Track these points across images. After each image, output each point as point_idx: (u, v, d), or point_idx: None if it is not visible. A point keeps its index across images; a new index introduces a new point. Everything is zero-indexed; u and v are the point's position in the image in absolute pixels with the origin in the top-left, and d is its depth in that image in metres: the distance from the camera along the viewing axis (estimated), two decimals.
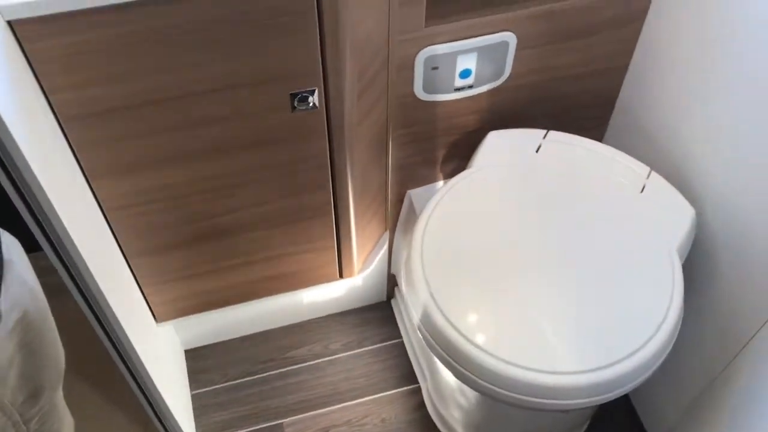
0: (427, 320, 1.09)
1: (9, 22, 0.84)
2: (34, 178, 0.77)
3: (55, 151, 0.94)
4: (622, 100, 1.44)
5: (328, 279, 1.47)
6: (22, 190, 0.78)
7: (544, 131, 1.31)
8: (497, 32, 1.23)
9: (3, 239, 0.60)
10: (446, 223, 1.19)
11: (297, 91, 1.08)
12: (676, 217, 1.20)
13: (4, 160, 0.74)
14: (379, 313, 1.74)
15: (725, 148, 1.16)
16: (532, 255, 1.15)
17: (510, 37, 1.24)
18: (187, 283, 1.34)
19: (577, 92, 1.40)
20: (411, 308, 1.14)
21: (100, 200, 1.12)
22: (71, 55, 0.91)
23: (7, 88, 0.78)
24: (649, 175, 1.26)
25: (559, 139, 1.30)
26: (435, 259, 1.14)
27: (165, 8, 0.90)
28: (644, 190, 1.24)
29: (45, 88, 0.93)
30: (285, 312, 1.68)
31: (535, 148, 1.29)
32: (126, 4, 0.88)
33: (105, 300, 0.94)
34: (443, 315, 1.07)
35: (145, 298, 1.33)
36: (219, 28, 0.95)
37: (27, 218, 0.81)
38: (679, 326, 1.11)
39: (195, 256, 1.29)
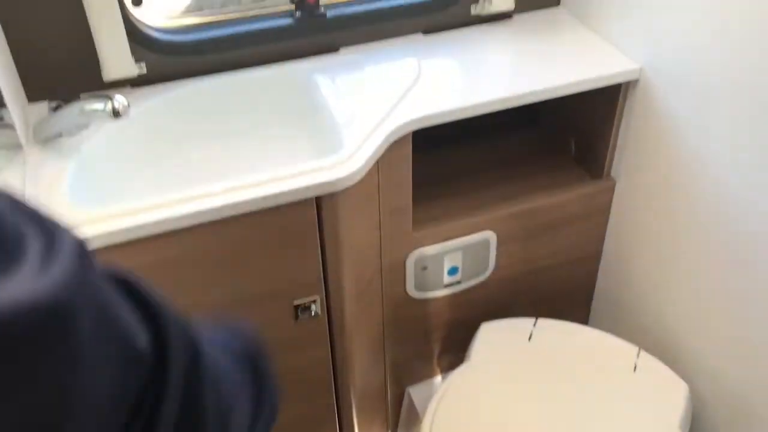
0: None
1: None
2: None
3: None
4: (600, 284, 1.53)
5: None
6: None
7: (533, 319, 1.37)
8: (479, 231, 1.34)
9: None
10: (450, 421, 1.20)
11: (300, 302, 1.14)
12: (671, 394, 1.24)
13: None
14: None
15: (708, 321, 1.23)
16: None
17: (491, 236, 1.35)
18: None
19: (557, 280, 1.49)
20: None
21: None
22: None
23: None
24: (638, 354, 1.31)
25: (548, 326, 1.36)
26: None
27: (175, 239, 0.98)
28: (636, 369, 1.28)
29: None
30: None
31: (527, 337, 1.34)
32: (140, 240, 0.96)
33: None
34: None
35: None
36: (225, 251, 1.03)
37: None
38: None
39: None
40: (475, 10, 1.39)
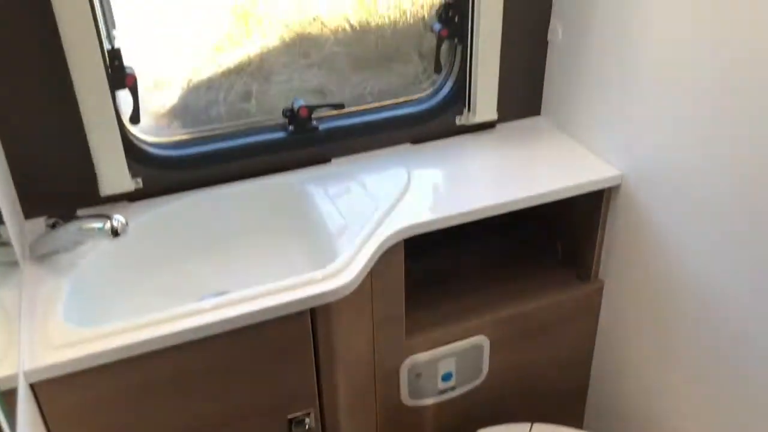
0: None
1: (31, 385, 0.89)
2: None
3: None
4: (594, 384, 1.52)
5: None
6: None
7: (529, 425, 1.36)
8: (471, 337, 1.34)
9: None
10: None
11: (294, 415, 1.12)
12: None
13: None
14: None
15: (701, 420, 1.22)
16: None
17: (483, 340, 1.35)
18: None
19: (551, 381, 1.48)
20: None
21: None
22: (84, 410, 0.95)
23: None
24: None
25: (544, 431, 1.35)
26: None
27: (169, 356, 0.98)
28: None
29: None
30: None
31: None
32: (132, 358, 0.95)
33: None
34: None
35: None
36: (219, 366, 1.02)
37: None
38: None
39: None
40: (460, 120, 1.45)
